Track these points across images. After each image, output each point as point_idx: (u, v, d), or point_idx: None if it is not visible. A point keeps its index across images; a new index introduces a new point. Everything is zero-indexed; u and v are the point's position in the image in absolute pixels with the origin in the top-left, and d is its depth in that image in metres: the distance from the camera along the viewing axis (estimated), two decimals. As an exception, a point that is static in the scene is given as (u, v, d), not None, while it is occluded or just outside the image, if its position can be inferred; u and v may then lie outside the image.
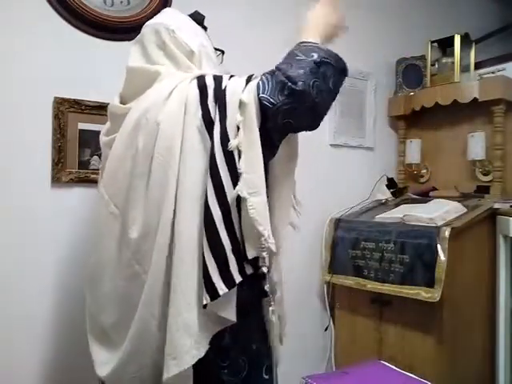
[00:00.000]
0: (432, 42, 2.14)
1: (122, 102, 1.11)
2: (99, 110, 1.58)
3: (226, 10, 1.86)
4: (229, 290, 0.88)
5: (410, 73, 2.28)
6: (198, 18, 1.23)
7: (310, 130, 0.97)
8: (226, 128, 0.92)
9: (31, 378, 1.49)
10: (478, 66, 2.09)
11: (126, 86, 1.13)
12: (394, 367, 0.92)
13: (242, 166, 0.90)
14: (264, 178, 0.92)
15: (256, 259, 0.92)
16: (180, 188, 0.93)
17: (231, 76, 1.00)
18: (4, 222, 1.46)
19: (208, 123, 0.94)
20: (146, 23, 1.18)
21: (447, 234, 1.57)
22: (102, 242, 1.06)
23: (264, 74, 0.96)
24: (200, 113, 0.94)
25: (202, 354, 0.89)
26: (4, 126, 1.46)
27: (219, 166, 0.90)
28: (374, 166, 2.25)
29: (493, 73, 2.00)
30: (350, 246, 1.86)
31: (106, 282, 1.04)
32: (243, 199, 0.89)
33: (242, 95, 0.92)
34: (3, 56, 1.45)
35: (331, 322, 2.04)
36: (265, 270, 0.92)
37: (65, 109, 1.52)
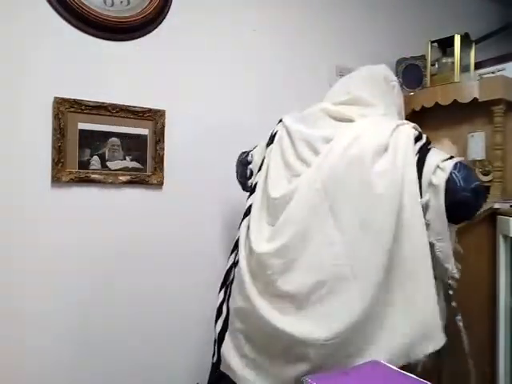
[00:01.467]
0: (432, 41, 2.14)
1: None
2: (99, 109, 1.59)
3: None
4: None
5: (410, 73, 2.28)
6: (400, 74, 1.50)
7: (460, 221, 1.27)
8: (420, 181, 1.13)
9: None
10: (478, 65, 2.09)
11: (341, 101, 1.32)
12: (394, 367, 0.92)
13: (429, 218, 1.13)
14: (447, 228, 1.15)
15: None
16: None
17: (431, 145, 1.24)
18: (4, 221, 1.46)
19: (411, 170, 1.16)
20: (370, 66, 1.44)
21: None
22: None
23: (460, 162, 1.18)
24: (413, 157, 1.16)
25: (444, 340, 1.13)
26: (4, 126, 1.46)
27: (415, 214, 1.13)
28: (374, 166, 2.25)
29: (493, 73, 2.00)
30: (350, 245, 1.86)
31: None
32: (431, 244, 1.13)
33: (441, 164, 1.14)
34: (3, 56, 1.45)
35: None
36: (450, 292, 1.28)
37: (65, 109, 1.52)
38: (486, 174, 1.97)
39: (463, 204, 1.14)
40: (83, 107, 1.56)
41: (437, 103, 2.03)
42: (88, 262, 1.59)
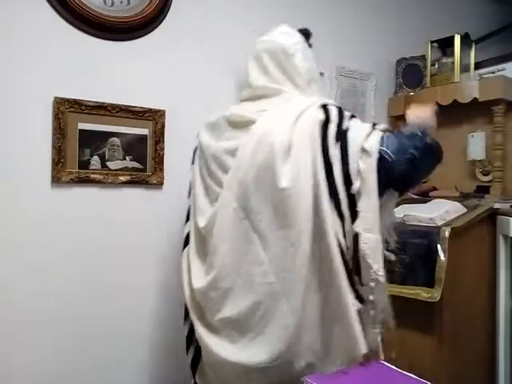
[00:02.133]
0: (432, 41, 2.14)
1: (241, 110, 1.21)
2: (99, 109, 1.58)
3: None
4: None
5: (410, 73, 2.28)
6: (306, 35, 1.29)
7: (404, 190, 1.13)
8: (348, 171, 1.04)
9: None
10: (477, 66, 2.09)
11: (247, 96, 1.24)
12: (394, 367, 0.92)
13: (361, 206, 1.02)
14: (379, 220, 1.03)
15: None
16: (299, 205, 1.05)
17: (352, 116, 1.11)
18: (4, 221, 1.46)
19: (326, 161, 1.04)
20: (263, 39, 1.26)
21: (447, 234, 1.57)
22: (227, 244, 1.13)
23: (385, 130, 1.08)
24: (320, 148, 1.05)
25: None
26: (4, 126, 1.46)
27: (342, 206, 1.03)
28: (374, 166, 2.25)
29: (493, 73, 2.00)
30: (350, 246, 1.86)
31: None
32: (359, 234, 1.02)
33: (365, 144, 1.04)
34: (3, 56, 1.45)
35: (331, 322, 2.03)
36: (371, 297, 1.05)
37: (65, 109, 1.52)
38: (486, 174, 1.97)
39: (403, 177, 1.05)
40: (83, 107, 1.56)
41: (437, 103, 2.03)
42: (88, 262, 1.59)
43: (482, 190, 1.92)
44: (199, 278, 1.19)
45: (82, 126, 1.57)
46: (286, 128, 1.07)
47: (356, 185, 1.03)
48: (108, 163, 1.62)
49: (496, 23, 2.60)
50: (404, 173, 1.03)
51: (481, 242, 1.79)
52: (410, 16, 2.38)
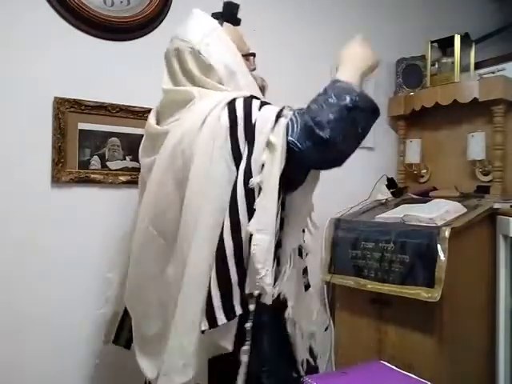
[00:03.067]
0: (432, 42, 2.14)
1: (158, 120, 1.16)
2: (99, 109, 1.59)
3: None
4: (228, 321, 0.90)
5: (410, 73, 2.28)
6: (229, 10, 1.19)
7: (333, 168, 0.99)
8: (250, 164, 0.94)
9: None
10: (477, 66, 2.09)
11: (162, 105, 1.17)
12: (394, 367, 0.92)
13: (257, 204, 0.92)
14: (275, 220, 0.92)
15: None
16: (200, 217, 0.96)
17: (262, 104, 1.00)
18: (4, 221, 1.46)
19: (237, 157, 0.96)
20: (175, 34, 1.15)
21: (447, 234, 1.57)
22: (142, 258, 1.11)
23: (294, 113, 0.95)
24: (229, 146, 0.96)
25: (190, 376, 0.92)
26: (4, 126, 1.46)
27: (239, 202, 0.93)
28: (374, 165, 2.25)
29: (493, 73, 2.00)
30: (350, 246, 1.86)
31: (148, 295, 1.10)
32: (251, 235, 0.91)
33: (271, 136, 0.93)
34: (3, 56, 1.45)
35: (331, 322, 2.04)
36: (251, 307, 0.93)
37: (65, 109, 1.52)
38: (486, 174, 1.97)
39: (324, 160, 0.95)
40: (83, 107, 1.56)
41: (437, 103, 2.03)
42: (88, 262, 1.59)
43: (482, 190, 1.92)
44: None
45: (82, 125, 1.57)
46: (192, 132, 1.00)
47: (255, 179, 0.93)
48: (108, 163, 1.62)
49: (496, 23, 2.60)
50: (322, 156, 0.93)
51: (481, 242, 1.79)
52: (410, 16, 2.37)
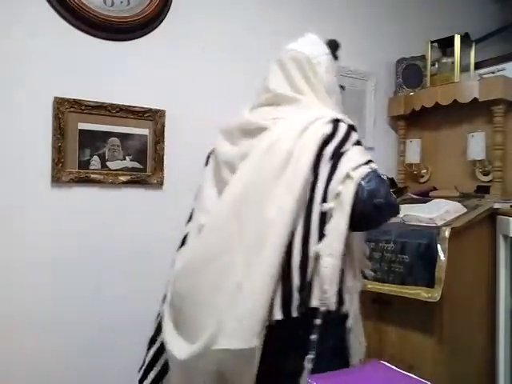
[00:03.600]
0: (432, 42, 2.14)
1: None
2: (99, 109, 1.59)
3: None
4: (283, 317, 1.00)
5: (410, 73, 2.28)
6: (333, 47, 1.30)
7: (357, 229, 1.09)
8: (327, 190, 1.04)
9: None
10: (478, 66, 2.09)
11: (266, 102, 1.22)
12: (394, 367, 0.92)
13: (328, 228, 1.02)
14: (343, 246, 1.02)
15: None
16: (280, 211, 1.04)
17: (358, 142, 1.12)
18: (4, 221, 1.46)
19: (315, 168, 1.06)
20: (289, 47, 1.25)
21: (447, 234, 1.57)
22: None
23: (375, 172, 1.08)
24: (316, 157, 1.06)
25: (253, 344, 0.98)
26: (4, 126, 1.46)
27: (312, 219, 1.04)
28: (374, 165, 2.25)
29: (493, 73, 2.00)
30: (350, 246, 1.86)
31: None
32: (321, 257, 1.01)
33: (352, 172, 1.04)
34: (3, 56, 1.45)
35: (331, 322, 2.03)
36: (318, 321, 1.02)
37: (65, 109, 1.52)
38: (486, 174, 1.97)
39: (364, 216, 1.05)
40: (83, 107, 1.56)
41: (437, 103, 2.03)
42: (88, 262, 1.59)
43: (482, 190, 1.92)
44: (177, 267, 1.18)
45: (82, 125, 1.57)
46: (292, 137, 1.08)
47: (329, 204, 1.04)
48: (108, 163, 1.62)
49: (496, 23, 2.60)
50: (368, 213, 1.04)
51: (481, 242, 1.79)
52: (410, 16, 2.38)
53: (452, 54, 2.05)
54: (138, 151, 1.68)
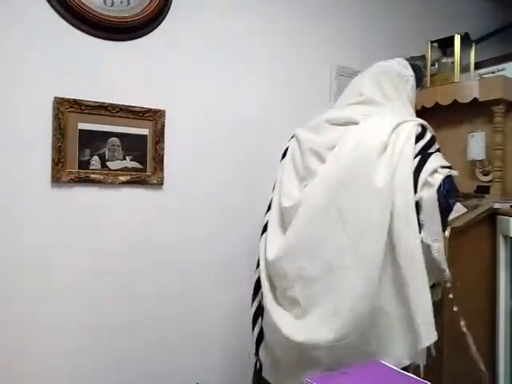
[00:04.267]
0: (432, 41, 2.14)
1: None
2: (99, 109, 1.59)
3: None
4: None
5: (409, 73, 2.28)
6: (415, 68, 1.51)
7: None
8: (417, 182, 1.14)
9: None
10: (477, 66, 2.08)
11: (356, 101, 1.36)
12: (394, 367, 0.92)
13: (424, 218, 1.13)
14: (441, 228, 1.16)
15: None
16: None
17: (438, 150, 1.26)
18: (4, 221, 1.46)
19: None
20: (381, 64, 1.44)
21: (447, 233, 1.56)
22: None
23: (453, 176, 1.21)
24: (411, 153, 1.18)
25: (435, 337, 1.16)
26: (4, 126, 1.46)
27: (409, 208, 1.14)
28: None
29: (493, 73, 2.00)
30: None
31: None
32: (430, 245, 1.14)
33: (440, 169, 1.17)
34: (3, 56, 1.45)
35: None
36: (451, 295, 1.28)
37: (65, 109, 1.52)
38: (486, 174, 1.97)
39: (440, 210, 1.16)
40: (83, 107, 1.56)
41: (437, 103, 2.03)
42: (88, 262, 1.59)
43: (482, 190, 1.92)
44: (275, 251, 1.27)
45: (82, 125, 1.57)
46: (385, 133, 1.19)
47: (420, 194, 1.14)
48: (108, 163, 1.62)
49: (496, 23, 2.60)
50: (441, 208, 1.15)
51: (481, 242, 1.78)
52: (410, 16, 2.38)
53: (452, 54, 2.05)
54: (138, 151, 1.68)
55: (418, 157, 1.18)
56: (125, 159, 1.66)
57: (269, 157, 1.82)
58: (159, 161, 1.71)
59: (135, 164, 1.67)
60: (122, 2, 1.63)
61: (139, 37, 1.68)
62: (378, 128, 1.22)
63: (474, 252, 1.76)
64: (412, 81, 1.42)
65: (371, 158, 1.16)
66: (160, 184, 1.72)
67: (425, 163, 1.17)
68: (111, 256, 1.63)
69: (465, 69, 2.06)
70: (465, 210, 1.76)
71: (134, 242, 1.67)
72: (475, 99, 1.91)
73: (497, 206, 1.79)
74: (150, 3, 1.67)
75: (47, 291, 1.52)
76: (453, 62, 2.05)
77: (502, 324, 1.76)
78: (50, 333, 1.52)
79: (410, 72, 1.43)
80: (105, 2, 1.60)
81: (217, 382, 1.82)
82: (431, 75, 2.15)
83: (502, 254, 1.77)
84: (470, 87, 1.94)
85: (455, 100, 1.96)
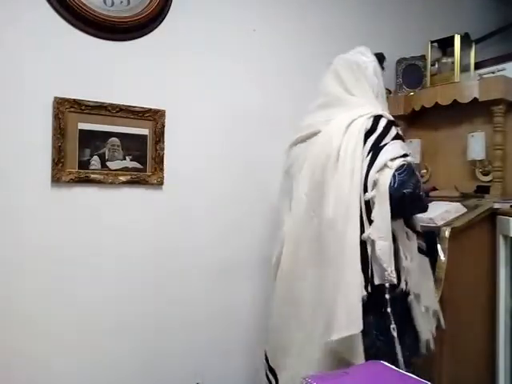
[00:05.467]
0: (432, 42, 2.14)
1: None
2: (99, 109, 1.59)
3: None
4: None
5: (409, 73, 2.28)
6: (380, 59, 1.48)
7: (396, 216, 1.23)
8: (367, 180, 1.18)
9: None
10: (478, 66, 2.09)
11: (321, 103, 1.42)
12: (394, 367, 0.92)
13: (375, 215, 1.17)
14: (390, 228, 1.17)
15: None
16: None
17: (396, 137, 1.25)
18: (4, 221, 1.46)
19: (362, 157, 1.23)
20: (340, 56, 1.46)
21: (447, 234, 1.57)
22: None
23: (410, 165, 1.22)
24: (362, 147, 1.22)
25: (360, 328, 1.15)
26: (4, 126, 1.46)
27: (362, 208, 1.19)
28: (374, 165, 2.25)
29: (493, 73, 2.00)
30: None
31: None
32: (372, 241, 1.17)
33: (389, 162, 1.18)
34: (3, 56, 1.45)
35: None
36: (387, 296, 1.20)
37: (65, 109, 1.52)
38: (486, 174, 1.97)
39: (395, 204, 1.17)
40: (83, 107, 1.56)
41: (437, 103, 2.03)
42: (88, 262, 1.59)
43: (482, 190, 1.92)
44: None
45: (82, 126, 1.57)
46: (338, 136, 1.24)
47: (370, 193, 1.17)
48: (108, 163, 1.62)
49: (496, 23, 2.60)
50: (396, 203, 1.17)
51: (481, 242, 1.79)
52: (410, 16, 2.38)
53: (452, 54, 2.05)
54: (138, 151, 1.68)
55: (370, 153, 1.20)
56: (125, 159, 1.65)
57: (269, 157, 1.82)
58: (159, 161, 1.71)
59: (135, 164, 1.67)
60: (121, 2, 1.63)
61: (139, 37, 1.68)
62: (333, 134, 1.27)
63: (474, 252, 1.76)
64: (373, 66, 1.40)
65: (326, 181, 1.24)
66: (160, 184, 1.72)
67: (374, 160, 1.19)
68: (111, 256, 1.63)
69: (465, 69, 2.06)
70: (465, 209, 1.76)
71: (134, 241, 1.67)
72: (475, 99, 1.91)
73: (497, 206, 1.79)
74: (150, 3, 1.67)
75: (47, 291, 1.52)
76: (453, 62, 2.05)
77: (502, 323, 1.76)
78: (49, 333, 1.52)
79: (369, 58, 1.42)
80: (105, 2, 1.60)
81: (217, 382, 1.82)
82: (431, 75, 2.15)
83: (502, 253, 1.77)
84: (470, 87, 1.94)
85: (455, 100, 1.96)
